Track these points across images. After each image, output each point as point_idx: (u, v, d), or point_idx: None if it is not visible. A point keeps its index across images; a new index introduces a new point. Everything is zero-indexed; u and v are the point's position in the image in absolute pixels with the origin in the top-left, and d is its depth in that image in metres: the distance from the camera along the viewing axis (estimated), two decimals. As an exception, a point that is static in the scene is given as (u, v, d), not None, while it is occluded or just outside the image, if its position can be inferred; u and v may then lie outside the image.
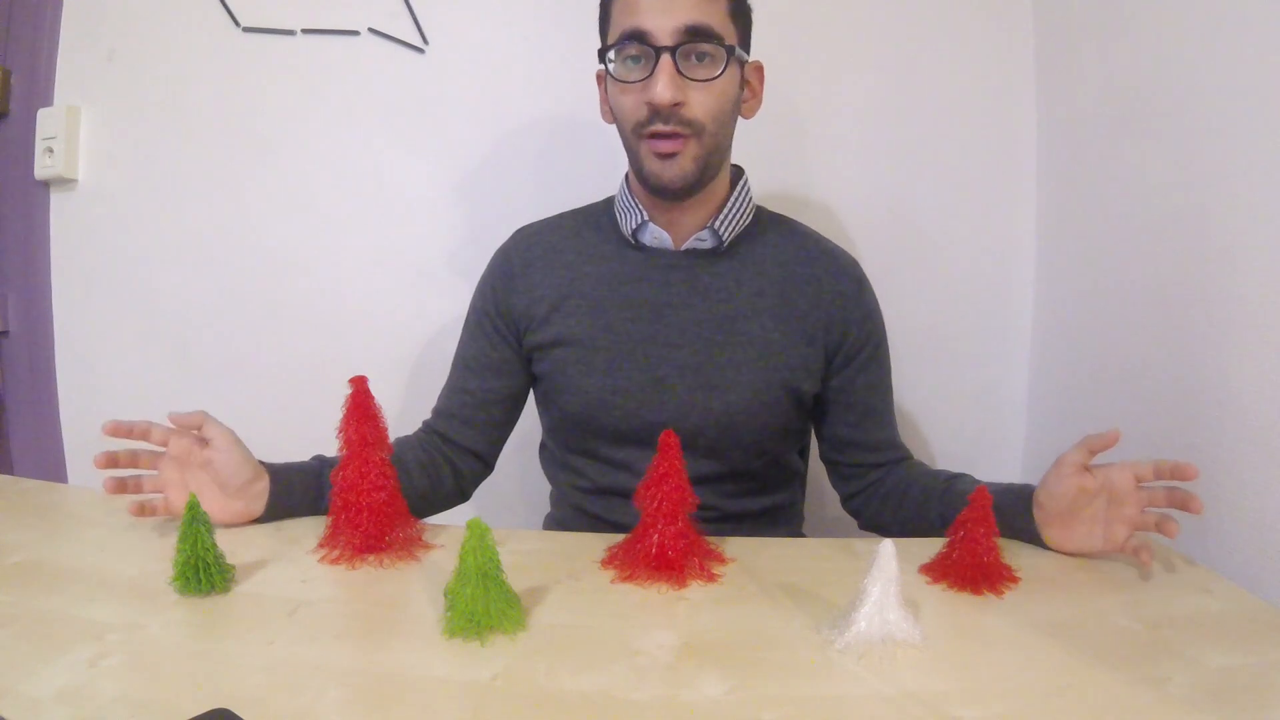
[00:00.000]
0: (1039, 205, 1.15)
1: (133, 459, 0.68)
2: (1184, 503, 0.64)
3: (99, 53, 1.20)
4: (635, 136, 0.77)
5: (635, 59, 0.75)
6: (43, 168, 1.20)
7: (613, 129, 0.82)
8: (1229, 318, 0.75)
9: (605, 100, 0.82)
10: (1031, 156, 1.15)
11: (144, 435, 0.68)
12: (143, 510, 0.67)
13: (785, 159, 1.15)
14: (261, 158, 1.19)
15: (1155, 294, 0.87)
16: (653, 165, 0.77)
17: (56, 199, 1.24)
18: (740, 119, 0.82)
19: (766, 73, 0.84)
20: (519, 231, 0.91)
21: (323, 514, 0.70)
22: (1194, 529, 0.76)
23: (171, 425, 0.69)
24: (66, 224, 1.24)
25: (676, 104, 0.73)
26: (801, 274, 0.84)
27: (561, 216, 0.91)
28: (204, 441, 0.68)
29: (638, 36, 0.73)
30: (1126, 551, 0.66)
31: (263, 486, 0.70)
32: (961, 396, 1.20)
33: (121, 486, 0.68)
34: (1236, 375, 0.73)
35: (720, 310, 0.82)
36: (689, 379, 0.81)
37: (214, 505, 0.68)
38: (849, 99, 1.15)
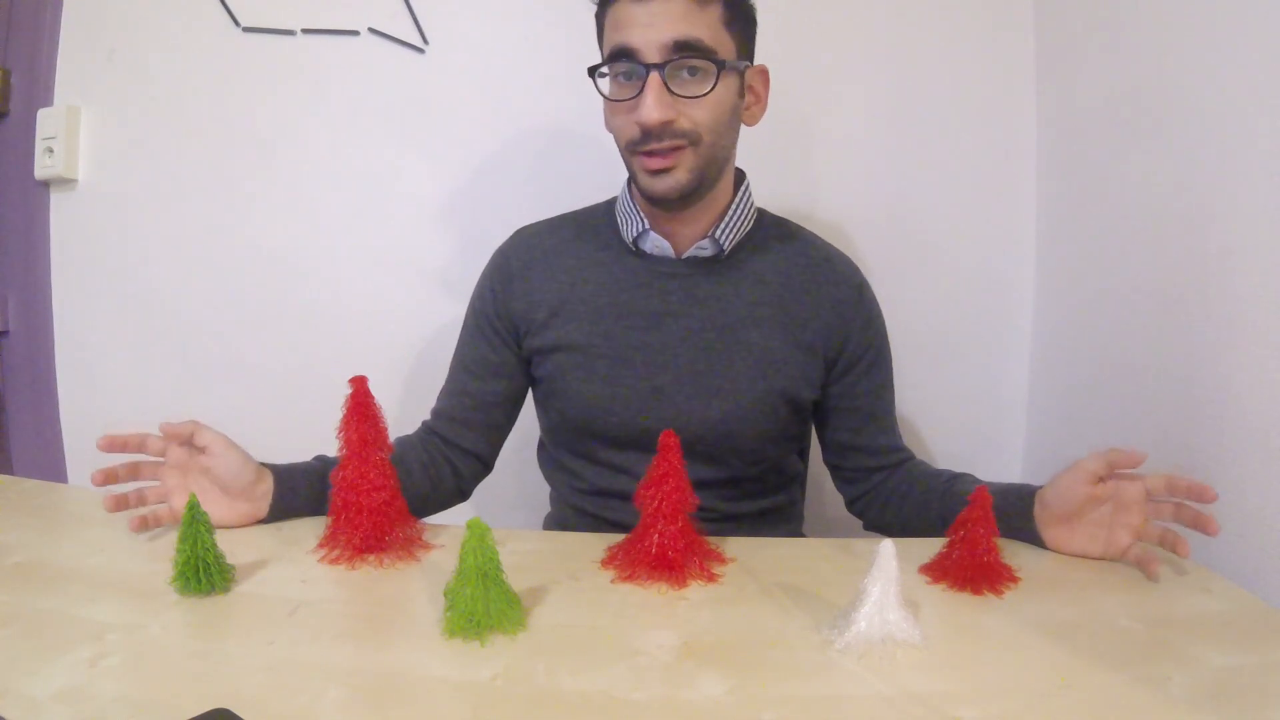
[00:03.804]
0: (1039, 205, 1.15)
1: (132, 472, 0.68)
2: (1201, 524, 0.63)
3: (99, 53, 1.20)
4: (630, 153, 0.76)
5: (626, 76, 0.73)
6: (43, 168, 1.20)
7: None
8: (1229, 318, 0.75)
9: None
10: (1031, 157, 1.15)
11: (140, 446, 0.68)
12: (145, 524, 0.67)
13: (786, 161, 1.15)
14: (261, 158, 1.19)
15: (1155, 294, 0.87)
16: (646, 180, 0.76)
17: (56, 199, 1.24)
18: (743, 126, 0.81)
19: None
20: (519, 232, 0.90)
21: (325, 514, 0.70)
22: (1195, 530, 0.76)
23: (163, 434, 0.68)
24: (66, 224, 1.24)
25: (666, 122, 0.72)
26: (801, 282, 0.83)
27: (562, 218, 0.90)
28: (199, 449, 0.68)
29: (626, 54, 0.72)
30: (1129, 559, 0.66)
31: (266, 488, 0.70)
32: (961, 396, 1.20)
33: (122, 503, 0.68)
34: (1236, 375, 0.73)
35: (719, 319, 0.81)
36: (687, 387, 0.81)
37: (218, 508, 0.68)
38: (850, 101, 1.15)
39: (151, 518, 0.67)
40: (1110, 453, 0.66)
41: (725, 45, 0.73)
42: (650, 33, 0.70)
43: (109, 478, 0.67)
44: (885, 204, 1.17)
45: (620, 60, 0.72)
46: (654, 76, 0.71)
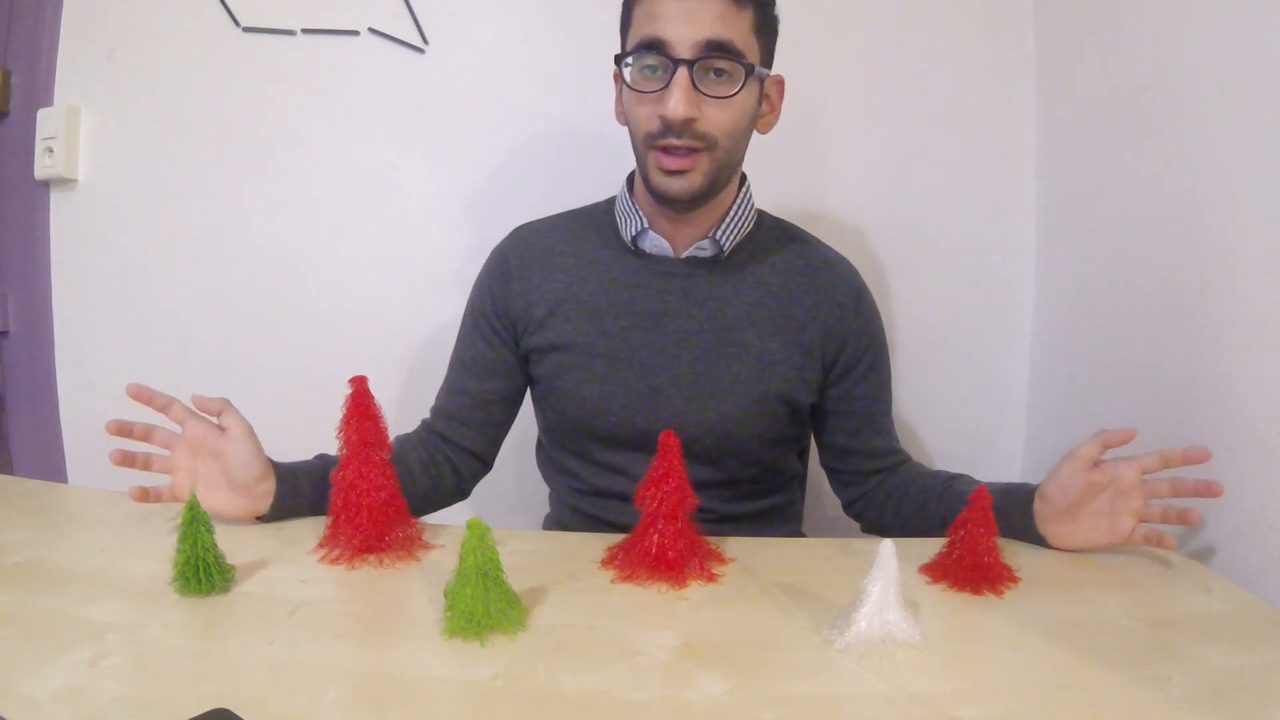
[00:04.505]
0: (1039, 205, 1.15)
1: (147, 434, 0.69)
2: (1203, 490, 0.65)
3: (99, 53, 1.20)
4: (646, 146, 0.76)
5: (652, 68, 0.73)
6: (43, 168, 1.20)
7: (617, 130, 0.81)
8: (1229, 318, 0.75)
9: (620, 100, 0.81)
10: (1031, 157, 1.15)
11: (164, 408, 0.68)
12: (145, 496, 0.67)
13: (786, 162, 1.15)
14: (261, 158, 1.19)
15: (1155, 294, 0.87)
16: (660, 178, 0.75)
17: (56, 199, 1.24)
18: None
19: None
20: (517, 231, 0.90)
21: (325, 514, 0.70)
22: (1194, 529, 0.76)
23: (192, 406, 0.69)
24: (66, 224, 1.24)
25: (689, 119, 0.71)
26: (800, 285, 0.83)
27: (560, 217, 0.90)
28: (220, 430, 0.68)
29: (656, 46, 0.71)
30: (1135, 542, 0.67)
31: (268, 487, 0.70)
32: (961, 396, 1.20)
33: (129, 460, 0.68)
34: (1236, 375, 0.73)
35: (718, 320, 0.81)
36: (685, 389, 0.80)
37: (219, 498, 0.68)
38: (850, 101, 1.15)
39: (154, 492, 0.67)
40: (1102, 434, 0.67)
41: (753, 50, 0.73)
42: (684, 29, 0.70)
43: (123, 429, 0.67)
44: (885, 204, 1.17)
45: (649, 52, 0.72)
46: (682, 72, 0.70)
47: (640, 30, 0.73)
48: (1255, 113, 0.72)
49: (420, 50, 1.16)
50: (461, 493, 0.89)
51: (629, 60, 0.74)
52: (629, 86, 0.75)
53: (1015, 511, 0.71)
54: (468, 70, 1.16)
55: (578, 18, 1.13)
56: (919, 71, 1.14)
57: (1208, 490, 0.65)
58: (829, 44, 1.14)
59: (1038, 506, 0.70)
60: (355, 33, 1.16)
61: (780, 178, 1.14)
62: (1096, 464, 0.67)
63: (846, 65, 1.15)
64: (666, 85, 0.71)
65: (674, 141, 0.73)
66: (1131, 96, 0.92)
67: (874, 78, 1.15)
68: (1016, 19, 1.13)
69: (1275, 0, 0.69)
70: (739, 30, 0.71)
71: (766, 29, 0.76)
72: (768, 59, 0.78)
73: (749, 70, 0.72)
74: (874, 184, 1.17)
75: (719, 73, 0.72)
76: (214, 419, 0.69)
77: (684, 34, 0.70)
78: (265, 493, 0.70)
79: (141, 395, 0.67)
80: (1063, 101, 1.08)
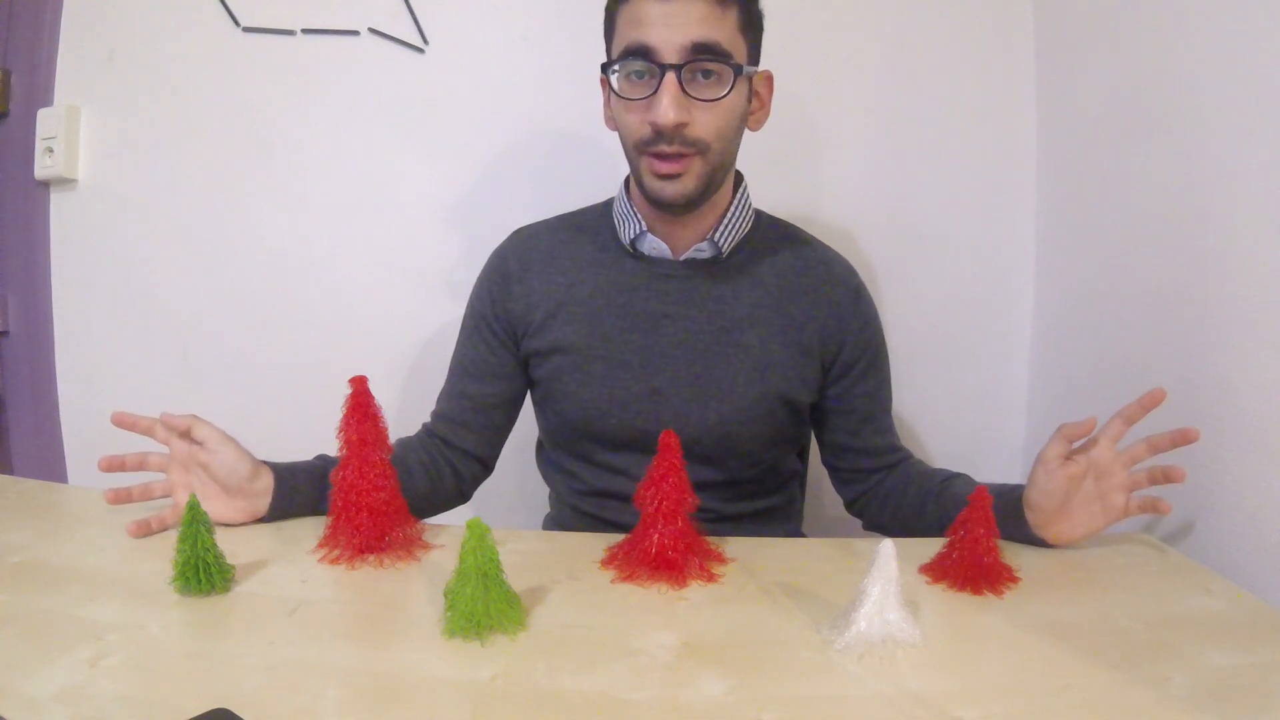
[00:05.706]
0: (1039, 205, 1.15)
1: (140, 462, 0.69)
2: (1181, 437, 0.66)
3: (99, 53, 1.20)
4: (637, 153, 0.75)
5: (639, 74, 0.72)
6: (43, 168, 1.20)
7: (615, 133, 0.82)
8: (1229, 318, 0.75)
9: (608, 106, 0.80)
10: (1031, 157, 1.15)
11: (148, 431, 0.69)
12: (146, 530, 0.67)
13: (785, 162, 1.15)
14: (261, 158, 1.19)
15: (1155, 294, 0.87)
16: (653, 183, 0.75)
17: (56, 199, 1.24)
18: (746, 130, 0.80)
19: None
20: (516, 233, 0.90)
21: (325, 514, 0.70)
22: (1194, 529, 0.77)
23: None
24: (66, 224, 1.24)
25: (680, 125, 0.71)
26: (798, 285, 0.83)
27: (559, 219, 0.90)
28: (197, 443, 0.69)
29: (642, 52, 0.70)
30: (1132, 513, 0.68)
31: (265, 484, 0.70)
32: (961, 396, 1.20)
33: (124, 496, 0.69)
34: (1236, 375, 0.73)
35: (717, 321, 0.81)
36: (685, 390, 0.80)
37: (218, 505, 0.68)
38: (850, 101, 1.15)
39: (156, 520, 0.67)
40: (1062, 430, 0.68)
41: (740, 49, 0.73)
42: (669, 33, 0.69)
43: (113, 465, 0.67)
44: (885, 205, 1.17)
45: (635, 58, 0.71)
46: (670, 77, 0.70)
47: (625, 36, 0.72)
48: (1256, 112, 0.72)
49: (420, 50, 1.16)
50: (462, 496, 0.89)
51: (615, 67, 0.73)
52: (616, 94, 0.74)
53: (1010, 521, 0.71)
54: (467, 71, 1.16)
55: (577, 19, 1.13)
56: (919, 71, 1.14)
57: (1184, 438, 0.66)
58: (829, 44, 1.14)
59: (1030, 517, 0.70)
60: (355, 33, 1.16)
61: (780, 178, 1.14)
62: (1068, 458, 0.67)
63: (847, 65, 1.15)
64: (655, 91, 0.70)
65: (665, 148, 0.72)
66: (1131, 96, 0.92)
67: (874, 78, 1.15)
68: (1016, 19, 1.13)
69: (1275, 1, 0.69)
70: (725, 30, 0.70)
71: (752, 26, 0.75)
72: (755, 56, 0.77)
73: (737, 71, 0.72)
74: (874, 184, 1.17)
75: (707, 74, 0.71)
76: (186, 436, 0.69)
77: (670, 38, 0.69)
78: (262, 490, 0.70)
79: (124, 422, 0.68)
80: (1063, 101, 1.08)
